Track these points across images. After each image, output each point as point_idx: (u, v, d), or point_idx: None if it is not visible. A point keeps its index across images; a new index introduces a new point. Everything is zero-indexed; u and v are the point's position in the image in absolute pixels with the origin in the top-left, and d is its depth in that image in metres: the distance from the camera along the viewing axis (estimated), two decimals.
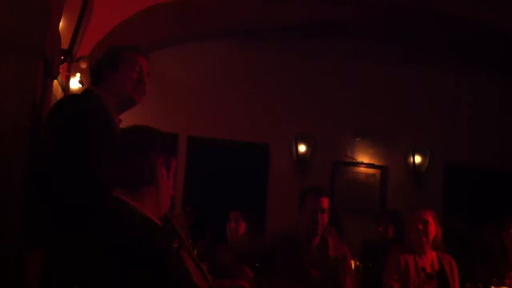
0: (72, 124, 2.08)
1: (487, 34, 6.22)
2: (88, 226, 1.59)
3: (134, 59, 2.34)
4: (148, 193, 1.69)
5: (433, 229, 3.31)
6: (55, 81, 2.92)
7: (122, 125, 2.25)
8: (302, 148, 6.90)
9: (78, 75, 4.01)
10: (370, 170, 7.12)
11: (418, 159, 7.10)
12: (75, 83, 4.11)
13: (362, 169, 7.12)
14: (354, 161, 7.09)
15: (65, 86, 4.00)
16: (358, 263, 4.08)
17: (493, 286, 3.05)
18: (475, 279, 3.26)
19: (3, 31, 2.18)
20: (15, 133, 2.14)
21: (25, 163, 2.12)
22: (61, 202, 1.95)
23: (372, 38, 7.01)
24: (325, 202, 3.31)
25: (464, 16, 5.95)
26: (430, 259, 3.32)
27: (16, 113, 2.15)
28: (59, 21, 2.78)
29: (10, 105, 2.15)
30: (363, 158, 7.12)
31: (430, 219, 3.30)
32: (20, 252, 2.04)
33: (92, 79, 2.36)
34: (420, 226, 3.29)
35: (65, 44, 3.18)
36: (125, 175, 1.68)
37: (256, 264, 3.36)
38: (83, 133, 2.06)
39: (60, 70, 3.30)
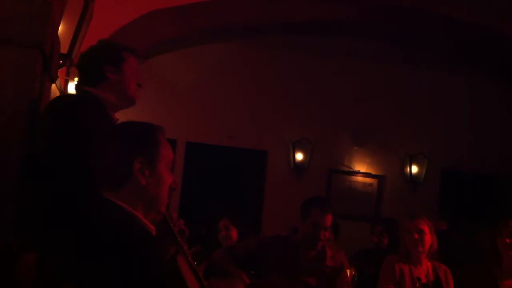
0: (69, 124, 2.08)
1: (488, 37, 6.18)
2: (82, 228, 1.56)
3: (135, 63, 2.39)
4: (133, 193, 1.59)
5: (429, 239, 3.29)
6: (53, 85, 2.92)
7: None
8: (299, 155, 6.90)
9: (76, 79, 4.00)
10: (367, 179, 7.12)
11: (415, 168, 7.10)
12: (73, 88, 4.11)
13: (360, 178, 7.12)
14: (352, 170, 7.09)
15: (64, 91, 4.00)
16: (354, 272, 4.07)
17: None
18: (467, 283, 3.25)
19: (3, 28, 2.18)
20: (11, 130, 2.13)
21: (20, 161, 2.11)
22: (56, 202, 1.94)
23: (373, 39, 6.94)
24: (329, 220, 3.29)
25: (466, 19, 5.90)
26: (425, 268, 3.31)
27: (13, 110, 2.14)
28: (59, 24, 2.79)
29: (7, 102, 2.14)
30: (361, 167, 7.12)
31: (426, 228, 3.28)
32: (13, 252, 2.02)
33: (89, 77, 2.34)
34: (416, 236, 3.27)
35: (64, 49, 3.19)
36: (106, 173, 1.60)
37: (252, 272, 3.36)
38: (82, 133, 2.06)
39: (59, 74, 3.30)
